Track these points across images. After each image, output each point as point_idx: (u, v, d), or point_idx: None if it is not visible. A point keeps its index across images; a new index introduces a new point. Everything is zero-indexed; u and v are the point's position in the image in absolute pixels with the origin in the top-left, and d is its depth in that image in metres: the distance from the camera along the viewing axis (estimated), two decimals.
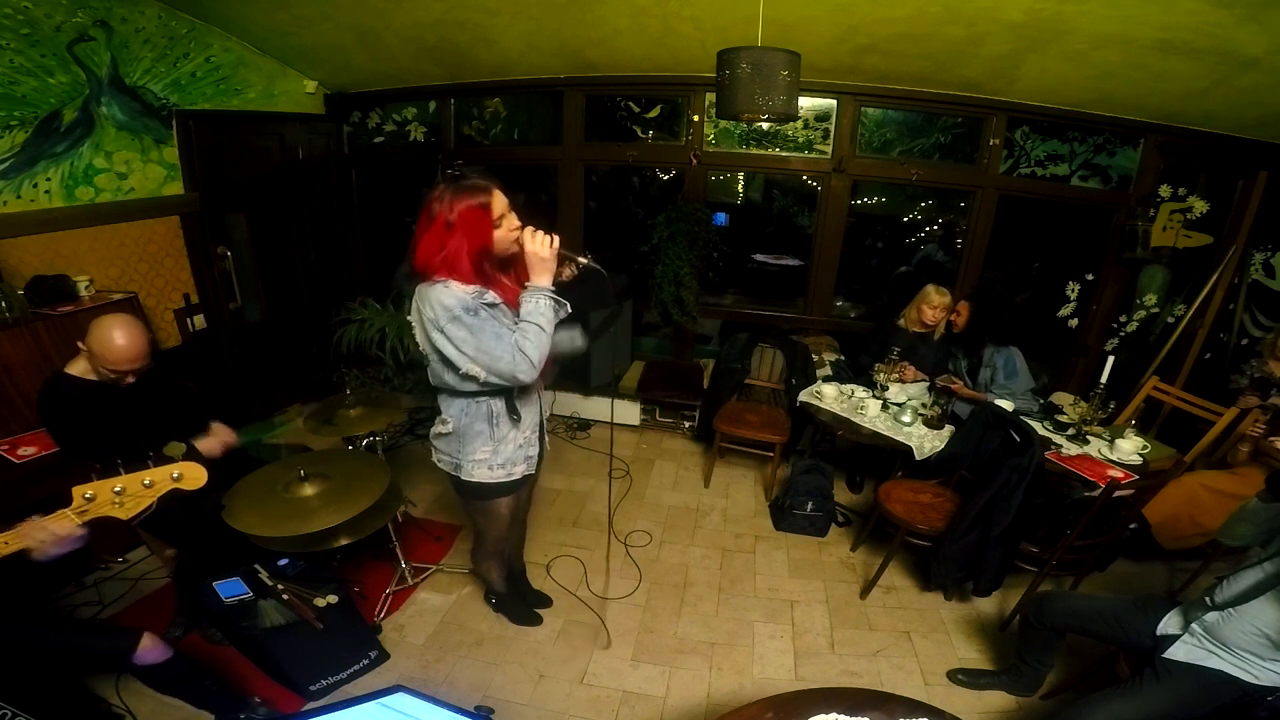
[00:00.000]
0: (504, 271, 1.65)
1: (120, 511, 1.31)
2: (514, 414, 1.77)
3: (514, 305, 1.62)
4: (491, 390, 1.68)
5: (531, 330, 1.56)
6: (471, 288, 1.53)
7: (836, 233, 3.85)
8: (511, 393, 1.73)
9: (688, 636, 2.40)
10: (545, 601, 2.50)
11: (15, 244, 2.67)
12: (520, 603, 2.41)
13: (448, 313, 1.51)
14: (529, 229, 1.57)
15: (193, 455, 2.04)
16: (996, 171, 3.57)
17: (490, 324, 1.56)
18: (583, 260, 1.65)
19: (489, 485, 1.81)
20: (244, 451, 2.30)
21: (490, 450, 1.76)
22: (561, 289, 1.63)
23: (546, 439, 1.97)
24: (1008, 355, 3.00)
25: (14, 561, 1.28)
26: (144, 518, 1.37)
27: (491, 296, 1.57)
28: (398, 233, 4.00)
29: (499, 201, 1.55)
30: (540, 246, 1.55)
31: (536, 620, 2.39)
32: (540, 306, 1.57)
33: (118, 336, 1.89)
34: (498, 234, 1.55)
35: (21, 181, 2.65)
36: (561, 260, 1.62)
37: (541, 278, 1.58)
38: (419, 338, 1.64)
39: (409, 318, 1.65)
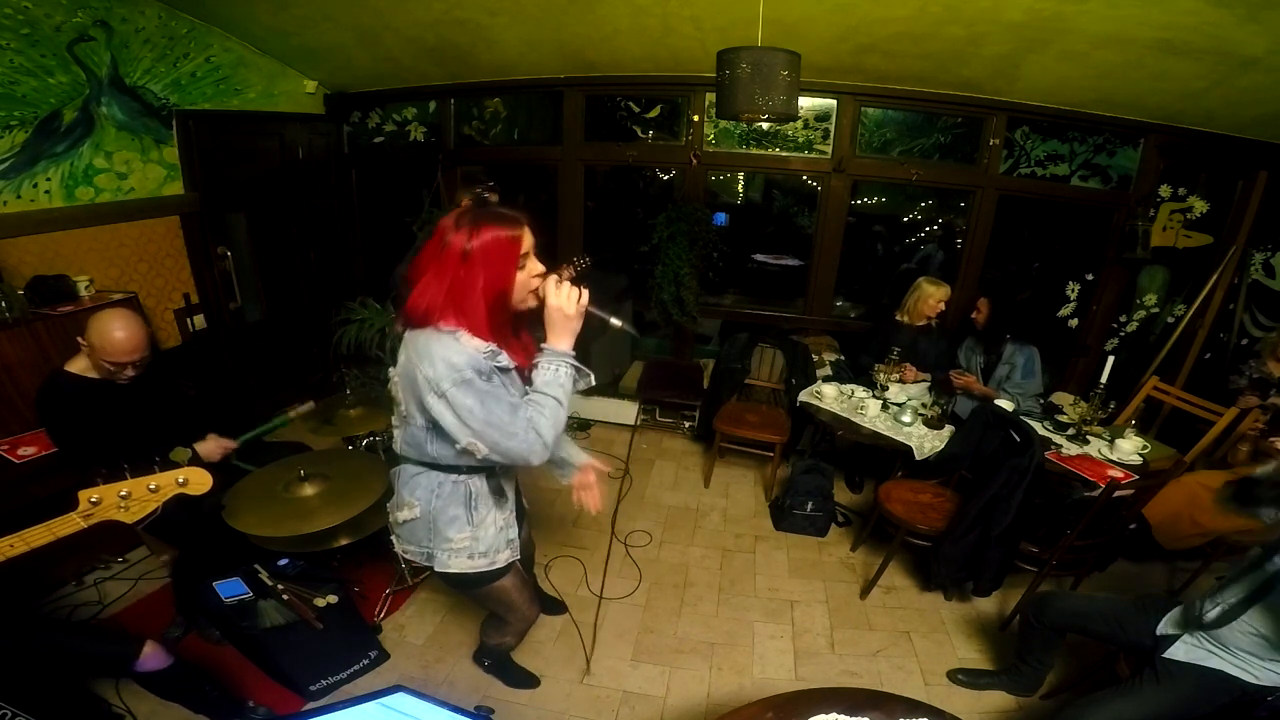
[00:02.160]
0: (514, 330, 1.37)
1: (126, 516, 1.31)
2: (499, 494, 1.50)
3: (525, 370, 1.37)
4: (470, 467, 1.41)
5: (549, 405, 1.29)
6: (485, 345, 1.26)
7: (836, 233, 3.85)
8: (495, 469, 1.47)
9: (688, 636, 2.40)
10: (559, 607, 2.49)
11: (15, 244, 2.67)
12: (515, 665, 2.15)
13: (455, 374, 1.21)
14: (552, 278, 1.30)
15: (195, 461, 2.05)
16: (996, 171, 3.57)
17: (502, 393, 1.28)
18: (615, 321, 1.35)
19: (471, 575, 1.51)
20: (250, 445, 2.31)
21: (468, 537, 1.46)
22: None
23: (524, 500, 1.77)
24: (1029, 354, 2.99)
25: (13, 563, 1.28)
26: (148, 522, 1.36)
27: (505, 359, 1.30)
28: (398, 233, 4.00)
29: (528, 238, 1.28)
30: (566, 302, 1.27)
31: (534, 682, 2.13)
32: (560, 376, 1.31)
33: (116, 328, 1.90)
34: (519, 276, 1.28)
35: (21, 181, 2.65)
36: (589, 318, 1.34)
37: (562, 340, 1.31)
38: (401, 395, 1.34)
39: (391, 369, 1.38)
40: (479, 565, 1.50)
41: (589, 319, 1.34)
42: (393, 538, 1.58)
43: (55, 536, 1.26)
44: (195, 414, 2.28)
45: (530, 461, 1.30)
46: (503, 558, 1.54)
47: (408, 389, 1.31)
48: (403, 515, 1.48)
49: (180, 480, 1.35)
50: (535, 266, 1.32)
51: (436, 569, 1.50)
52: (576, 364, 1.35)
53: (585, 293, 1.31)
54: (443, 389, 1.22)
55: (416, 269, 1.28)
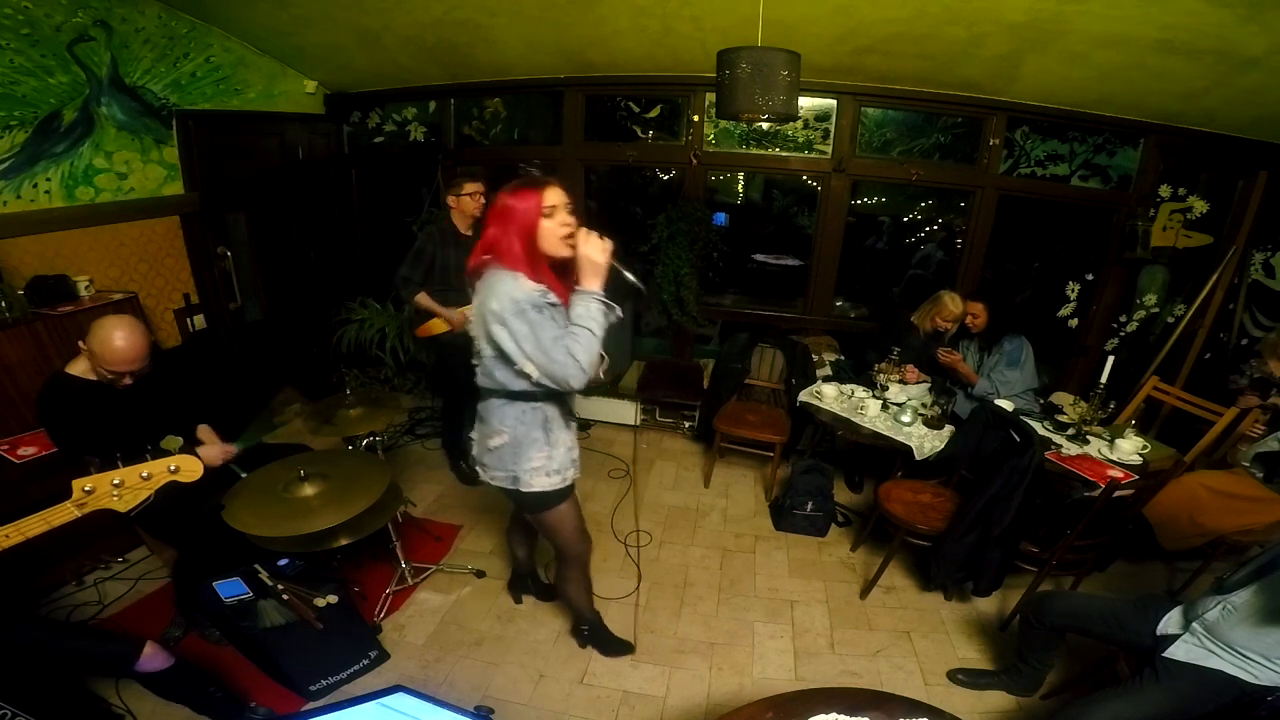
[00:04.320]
0: (560, 275, 1.63)
1: (119, 504, 1.31)
2: (569, 416, 1.78)
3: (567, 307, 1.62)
4: (544, 394, 1.67)
5: (583, 335, 1.54)
6: (537, 285, 1.54)
7: (836, 233, 3.85)
8: (563, 396, 1.72)
9: (688, 636, 2.40)
10: (555, 592, 2.50)
11: (15, 244, 2.67)
12: (609, 633, 2.29)
13: (515, 305, 1.50)
14: (584, 230, 1.57)
15: (186, 448, 2.05)
16: (996, 171, 3.57)
17: (550, 324, 1.55)
18: (630, 277, 1.62)
19: (550, 493, 1.78)
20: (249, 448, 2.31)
21: (546, 456, 1.73)
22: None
23: None
24: (1017, 344, 3.00)
25: (13, 562, 1.28)
26: (141, 510, 1.36)
27: (553, 297, 1.57)
28: (398, 233, 4.01)
29: (553, 193, 1.56)
30: (593, 250, 1.55)
31: (629, 648, 2.28)
32: (591, 310, 1.56)
33: (118, 338, 1.89)
34: (547, 225, 1.55)
35: (21, 181, 2.65)
36: (610, 270, 1.59)
37: (593, 281, 1.57)
38: (476, 331, 1.63)
39: (467, 310, 1.63)
40: (554, 483, 1.76)
41: (616, 270, 1.60)
42: (478, 469, 1.83)
43: (50, 526, 1.26)
44: (195, 415, 2.27)
45: (571, 384, 1.55)
46: (570, 474, 1.81)
47: (479, 323, 1.60)
48: (493, 442, 1.72)
49: (172, 468, 1.35)
50: (564, 218, 1.57)
51: (521, 489, 1.75)
52: (605, 300, 1.58)
53: (610, 243, 1.56)
54: (504, 318, 1.51)
55: (482, 229, 1.61)
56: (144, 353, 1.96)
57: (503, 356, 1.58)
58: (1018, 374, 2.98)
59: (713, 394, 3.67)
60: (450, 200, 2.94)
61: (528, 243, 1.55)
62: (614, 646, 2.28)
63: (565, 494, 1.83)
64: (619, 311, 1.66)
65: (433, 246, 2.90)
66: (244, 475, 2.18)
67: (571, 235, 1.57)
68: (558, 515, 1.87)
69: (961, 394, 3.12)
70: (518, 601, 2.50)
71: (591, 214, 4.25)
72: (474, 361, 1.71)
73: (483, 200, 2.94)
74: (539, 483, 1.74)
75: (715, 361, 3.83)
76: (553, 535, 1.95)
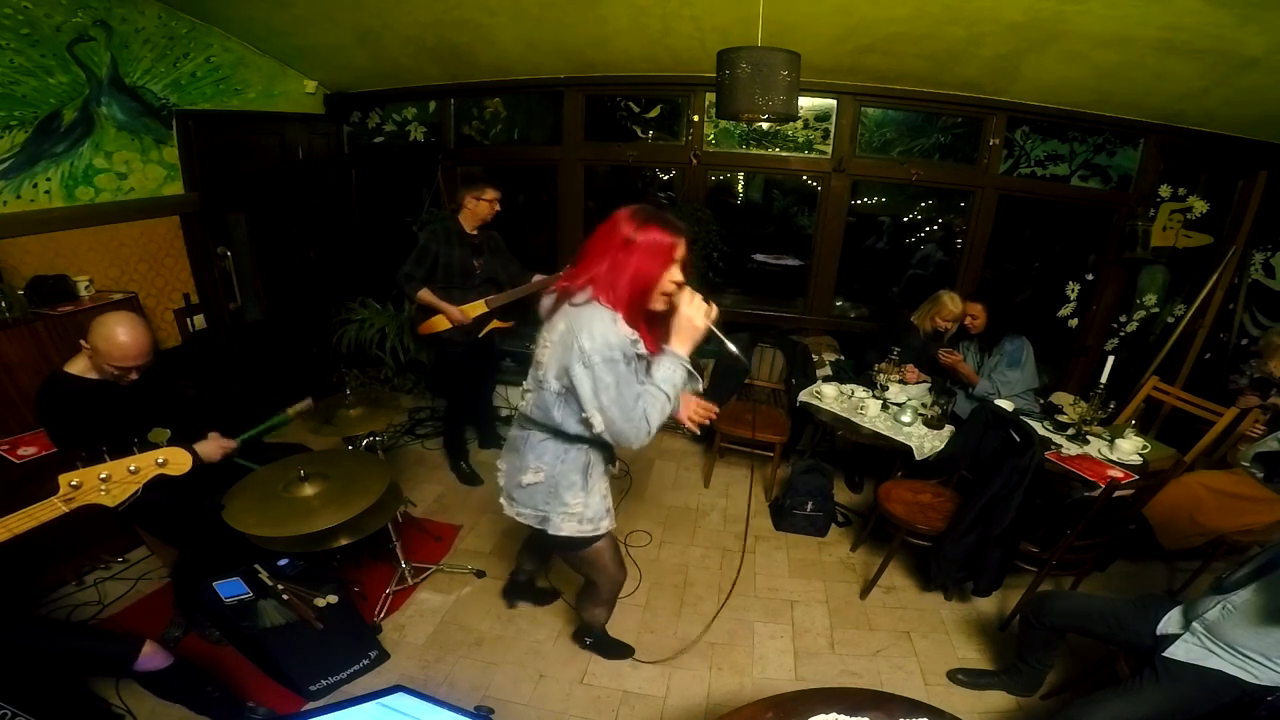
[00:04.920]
0: (649, 324, 1.52)
1: (107, 499, 1.29)
2: (609, 463, 1.69)
3: (651, 358, 1.52)
4: (592, 439, 1.56)
5: (660, 399, 1.45)
6: (632, 332, 1.43)
7: (836, 233, 3.85)
8: (609, 444, 1.61)
9: (688, 636, 2.40)
10: (553, 596, 2.50)
11: (15, 244, 2.67)
12: (612, 640, 2.26)
13: (608, 350, 1.38)
14: (690, 290, 1.47)
15: (179, 444, 2.04)
16: (996, 171, 3.57)
17: (633, 379, 1.45)
18: (730, 346, 1.53)
19: (577, 539, 1.69)
20: (249, 444, 2.30)
21: (581, 503, 1.64)
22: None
23: None
24: (1018, 344, 3.01)
25: (12, 561, 1.28)
26: (138, 508, 1.35)
27: (643, 348, 1.46)
28: (398, 233, 4.01)
29: (683, 249, 1.45)
30: (696, 312, 1.45)
31: (630, 651, 2.26)
32: (676, 376, 1.47)
33: (121, 333, 1.89)
34: (663, 276, 1.44)
35: (21, 181, 2.65)
36: (708, 335, 1.50)
37: (685, 345, 1.48)
38: (548, 357, 1.48)
39: (546, 334, 1.51)
40: (585, 530, 1.67)
41: (708, 335, 1.51)
42: (503, 500, 1.74)
43: (37, 522, 1.24)
44: (196, 414, 2.27)
45: (632, 445, 1.47)
46: (605, 525, 1.71)
47: (556, 353, 1.46)
48: (527, 479, 1.63)
49: (159, 461, 1.33)
50: (677, 274, 1.46)
51: (550, 531, 1.66)
52: (690, 369, 1.51)
53: (715, 309, 1.48)
54: (592, 361, 1.37)
55: (585, 250, 1.47)
56: (148, 347, 1.96)
57: (570, 396, 1.46)
58: (1018, 374, 2.98)
59: (713, 394, 3.67)
60: (468, 200, 2.90)
61: (640, 289, 1.42)
62: (616, 652, 2.26)
63: (599, 538, 1.74)
64: (701, 383, 1.61)
65: (437, 244, 2.90)
66: (256, 469, 2.18)
67: (675, 292, 1.46)
68: (593, 552, 1.77)
69: (961, 394, 3.13)
70: (511, 606, 2.49)
71: (591, 214, 4.25)
72: (526, 387, 1.60)
73: (498, 208, 2.95)
74: (569, 528, 1.65)
75: (715, 361, 3.83)
76: (589, 571, 1.88)
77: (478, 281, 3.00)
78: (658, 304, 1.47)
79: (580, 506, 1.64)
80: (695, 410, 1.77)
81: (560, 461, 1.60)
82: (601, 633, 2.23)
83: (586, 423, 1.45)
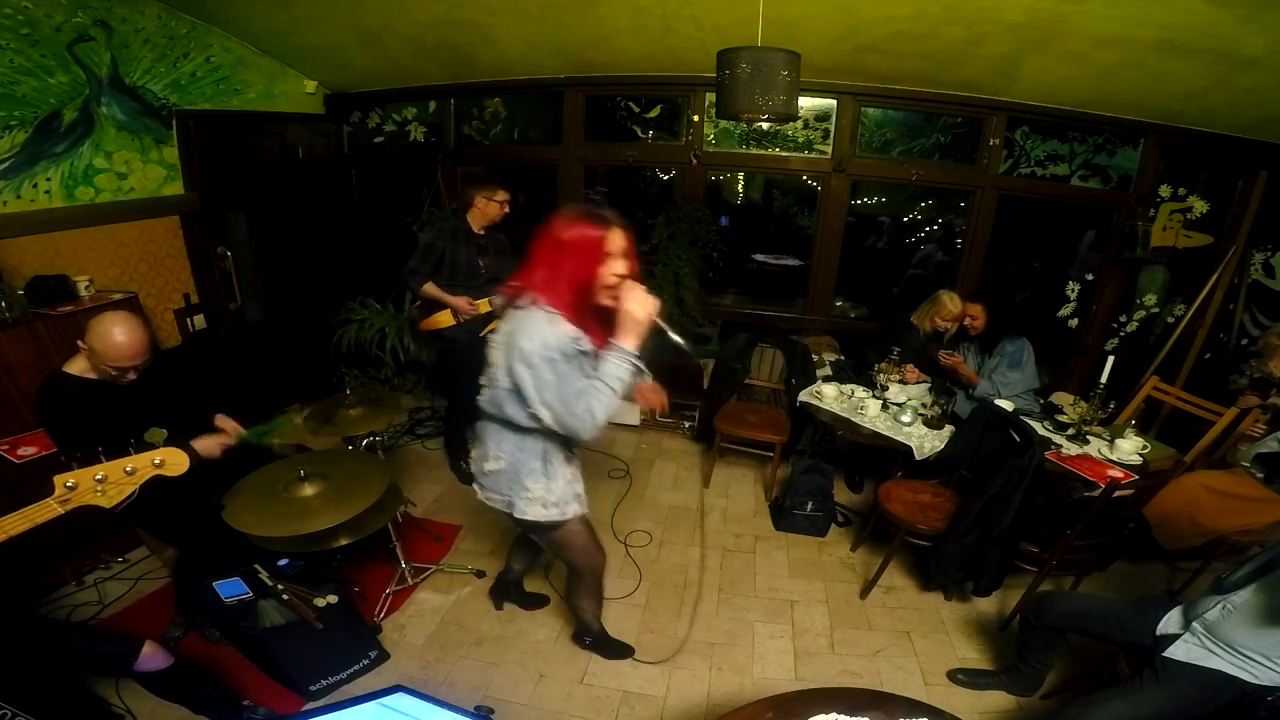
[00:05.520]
0: (598, 321, 1.55)
1: (103, 500, 1.29)
2: (568, 450, 1.73)
3: (599, 354, 1.55)
4: (548, 431, 1.59)
5: (606, 393, 1.48)
6: (573, 330, 1.47)
7: (836, 233, 3.85)
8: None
9: (688, 636, 2.39)
10: (542, 601, 2.50)
11: (15, 244, 2.67)
12: (611, 639, 2.27)
13: (545, 350, 1.43)
14: (631, 283, 1.48)
15: (176, 443, 2.03)
16: (996, 171, 3.57)
17: (577, 375, 1.48)
18: (675, 336, 1.55)
19: (544, 523, 1.74)
20: (249, 447, 2.29)
21: (543, 488, 1.69)
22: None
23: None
24: (1019, 345, 3.01)
25: (11, 563, 1.28)
26: (127, 505, 1.34)
27: (586, 343, 1.50)
28: (398, 233, 4.01)
29: (615, 239, 1.47)
30: (638, 306, 1.46)
31: (629, 651, 2.26)
32: (620, 370, 1.48)
33: (118, 333, 1.88)
34: (600, 270, 1.47)
35: (21, 181, 2.65)
36: (652, 328, 1.52)
37: (631, 340, 1.49)
38: (495, 358, 1.55)
39: (493, 334, 1.56)
40: (551, 515, 1.72)
41: (660, 329, 1.54)
42: (475, 486, 1.81)
43: (33, 523, 1.24)
44: (195, 414, 2.27)
45: (581, 437, 1.52)
46: (572, 509, 1.76)
47: (502, 354, 1.52)
48: (489, 466, 1.71)
49: (156, 461, 1.32)
50: (617, 267, 1.49)
51: (515, 515, 1.72)
52: (638, 363, 1.52)
53: (658, 302, 1.50)
54: (533, 361, 1.43)
55: (528, 256, 1.51)
56: (145, 346, 1.96)
57: (518, 394, 1.51)
58: (1019, 375, 2.98)
59: (713, 394, 3.67)
60: (479, 200, 2.90)
61: (578, 286, 1.46)
62: (615, 651, 2.27)
63: (565, 523, 1.77)
64: (648, 376, 1.65)
65: (443, 242, 2.91)
66: (276, 442, 2.16)
67: (618, 285, 1.48)
68: (565, 535, 1.82)
69: (961, 394, 3.12)
70: (498, 608, 2.47)
71: None
72: (483, 382, 1.65)
73: (507, 209, 2.95)
74: (534, 512, 1.70)
75: (715, 361, 3.83)
76: (561, 552, 1.92)
77: (483, 281, 3.00)
78: (603, 298, 1.50)
79: (542, 491, 1.69)
80: (648, 394, 1.88)
81: (519, 450, 1.65)
82: (600, 631, 2.24)
83: (534, 417, 1.52)
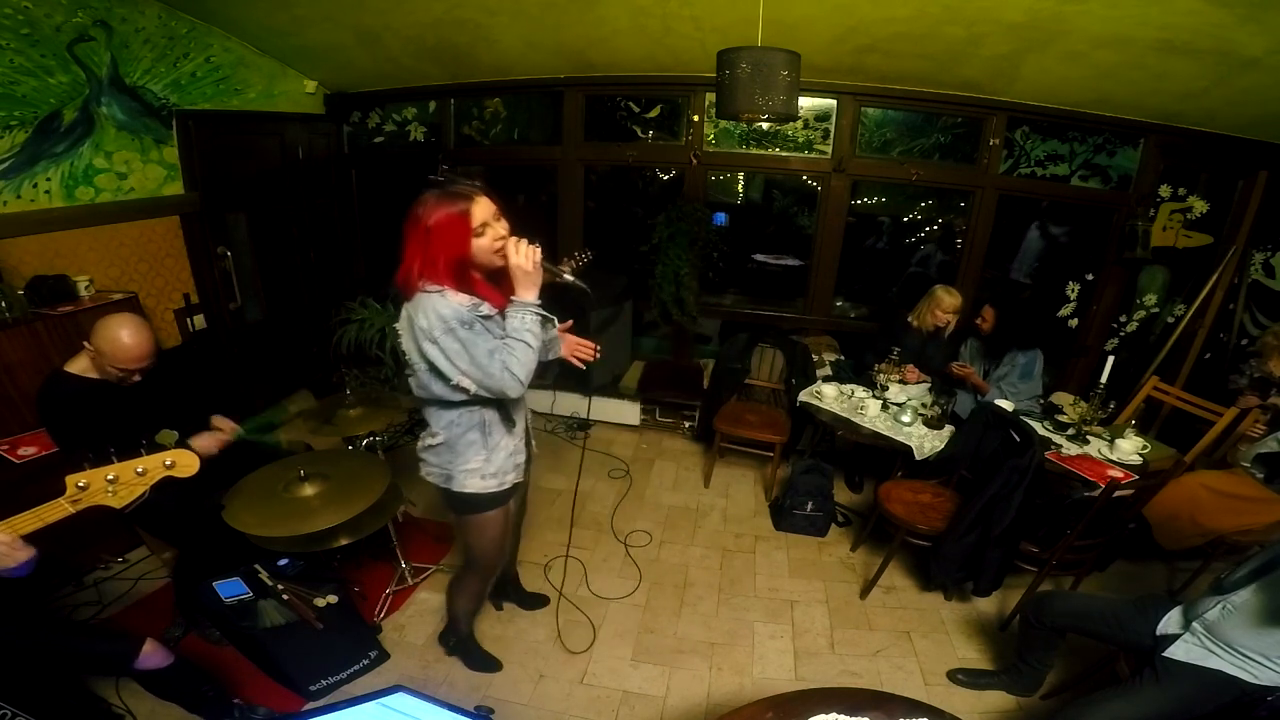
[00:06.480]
0: (495, 283, 1.59)
1: (114, 500, 1.30)
2: (508, 421, 1.72)
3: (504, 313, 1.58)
4: (483, 400, 1.61)
5: (519, 347, 1.50)
6: (468, 299, 1.48)
7: (836, 233, 3.85)
8: (504, 402, 1.67)
9: (688, 636, 2.40)
10: (541, 601, 2.50)
11: (15, 244, 2.67)
12: (479, 647, 2.23)
13: (443, 323, 1.44)
14: (513, 240, 1.49)
15: (182, 443, 2.03)
16: (996, 171, 3.57)
17: (484, 337, 1.50)
18: (567, 276, 1.59)
19: (482, 496, 1.74)
20: (252, 446, 2.29)
21: (483, 459, 1.70)
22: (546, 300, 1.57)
23: (533, 442, 1.92)
24: (1031, 356, 3.00)
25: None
26: (136, 506, 1.35)
27: (486, 308, 1.52)
28: (398, 233, 4.00)
29: (481, 209, 1.47)
30: (523, 259, 1.48)
31: (496, 665, 2.21)
32: (526, 322, 1.51)
33: (125, 336, 1.89)
34: (479, 243, 1.48)
35: (21, 181, 2.65)
36: (546, 272, 1.55)
37: (528, 291, 1.51)
38: (407, 346, 1.56)
39: (397, 325, 1.58)
40: (489, 486, 1.73)
41: (551, 275, 1.57)
42: (420, 463, 1.78)
43: (44, 523, 1.25)
44: (196, 414, 2.27)
45: (508, 394, 1.55)
46: (510, 479, 1.77)
47: (410, 340, 1.53)
48: (429, 440, 1.72)
49: (167, 463, 1.33)
50: (497, 230, 1.50)
51: (454, 489, 1.72)
52: (541, 311, 1.55)
53: (539, 249, 1.50)
54: (434, 336, 1.45)
55: (403, 247, 1.50)
56: (151, 349, 1.96)
57: (436, 371, 1.52)
58: (1029, 385, 2.99)
59: (713, 394, 3.67)
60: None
61: (454, 262, 1.47)
62: (481, 662, 2.20)
63: (498, 500, 1.78)
64: (556, 322, 1.67)
65: None
66: (278, 431, 2.16)
67: (503, 247, 1.49)
68: (483, 521, 1.81)
69: (962, 394, 3.12)
70: (498, 608, 2.47)
71: (590, 214, 4.25)
72: (407, 373, 1.65)
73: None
74: (473, 484, 1.71)
75: (715, 361, 3.84)
76: (471, 539, 1.89)
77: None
78: (495, 262, 1.52)
79: (481, 463, 1.70)
80: (574, 348, 1.89)
81: (455, 425, 1.66)
82: (469, 635, 2.20)
83: (460, 389, 1.53)
